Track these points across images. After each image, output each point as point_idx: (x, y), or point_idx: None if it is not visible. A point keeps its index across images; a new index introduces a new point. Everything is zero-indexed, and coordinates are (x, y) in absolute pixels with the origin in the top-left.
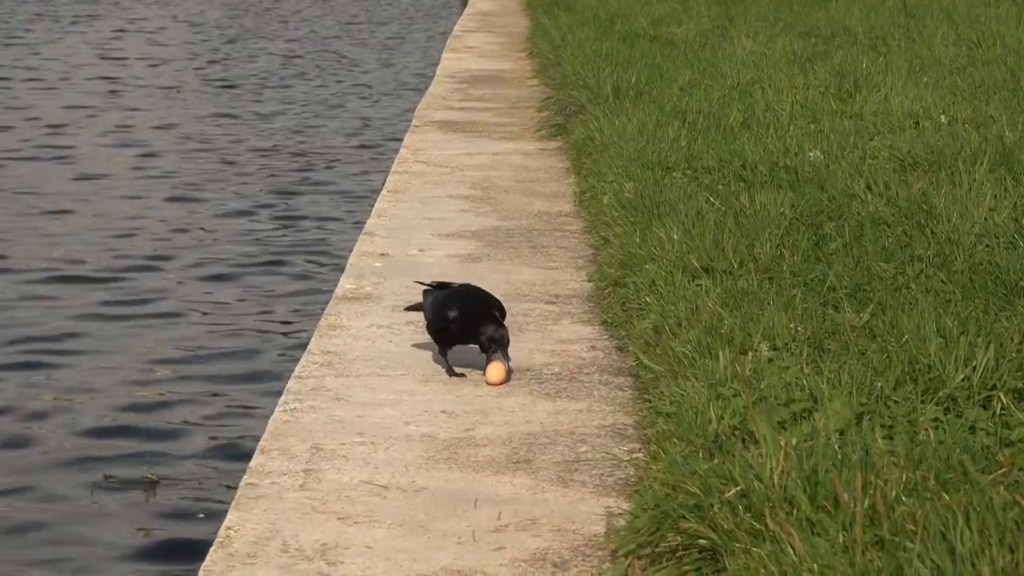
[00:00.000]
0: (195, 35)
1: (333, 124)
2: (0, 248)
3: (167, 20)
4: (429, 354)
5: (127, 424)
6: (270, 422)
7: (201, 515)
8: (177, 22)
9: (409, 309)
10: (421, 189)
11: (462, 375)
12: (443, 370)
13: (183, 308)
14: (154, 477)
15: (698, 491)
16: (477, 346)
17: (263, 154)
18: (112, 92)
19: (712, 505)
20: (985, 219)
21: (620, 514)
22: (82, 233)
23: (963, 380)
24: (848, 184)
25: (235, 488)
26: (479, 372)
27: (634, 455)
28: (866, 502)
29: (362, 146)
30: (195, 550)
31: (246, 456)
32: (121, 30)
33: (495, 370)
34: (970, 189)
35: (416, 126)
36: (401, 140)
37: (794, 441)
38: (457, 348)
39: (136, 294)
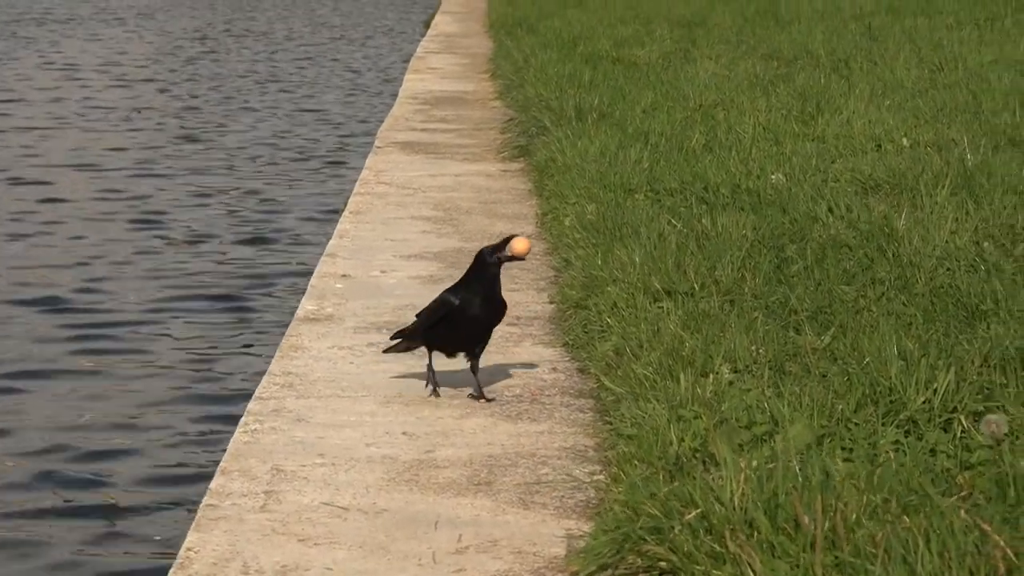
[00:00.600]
0: (161, 54)
1: (296, 145)
2: None
3: (130, 41)
4: (390, 376)
5: (85, 446)
6: (231, 443)
7: (157, 537)
8: (141, 42)
9: (394, 337)
10: (383, 210)
11: (437, 395)
12: (402, 391)
13: (143, 329)
14: (113, 500)
15: (659, 513)
16: (469, 355)
17: (224, 175)
18: (73, 113)
19: (673, 527)
20: (946, 242)
21: (581, 536)
22: (42, 257)
23: (924, 403)
24: (810, 207)
25: (195, 510)
26: (454, 393)
27: (595, 477)
28: (826, 524)
29: (325, 167)
30: (155, 573)
31: (207, 478)
32: (83, 50)
33: (520, 242)
34: (932, 212)
35: (378, 147)
36: (363, 161)
37: (755, 463)
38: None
39: (95, 316)
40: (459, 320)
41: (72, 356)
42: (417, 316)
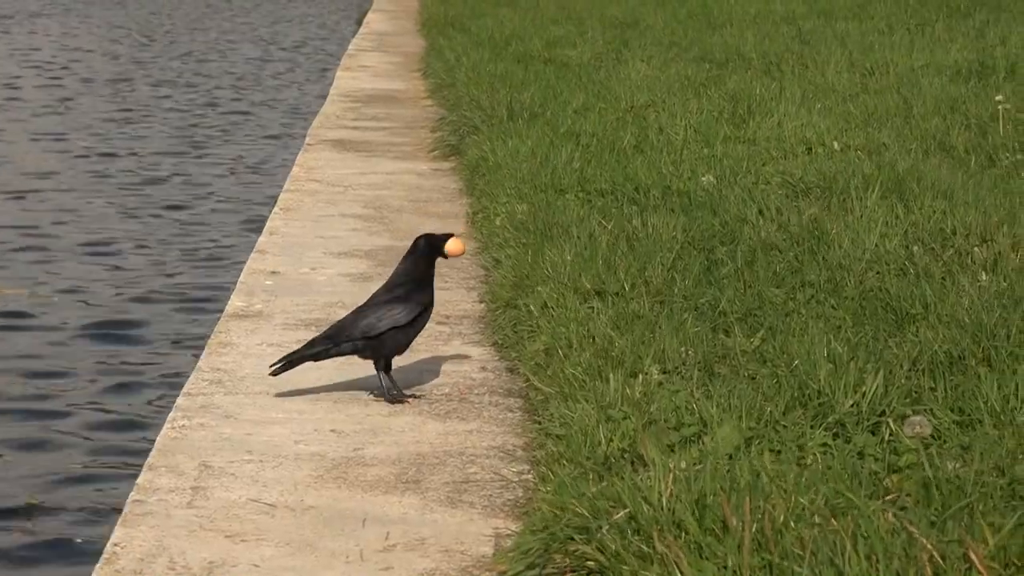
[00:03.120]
0: (92, 54)
1: (227, 142)
2: None
3: (57, 40)
4: (319, 372)
5: (8, 445)
6: (158, 439)
7: (79, 540)
8: (73, 40)
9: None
10: (314, 208)
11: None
12: (331, 391)
13: (67, 324)
14: (37, 500)
15: (587, 513)
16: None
17: (156, 168)
18: None
19: (600, 527)
20: (876, 246)
21: (509, 535)
22: None
23: (852, 406)
24: (740, 209)
25: (121, 508)
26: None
27: (523, 476)
28: (754, 526)
29: (256, 164)
30: (80, 570)
31: (133, 474)
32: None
33: (456, 243)
34: (862, 216)
35: (309, 144)
36: (294, 158)
37: (683, 464)
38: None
39: (20, 307)
40: (426, 316)
41: None
42: (335, 335)
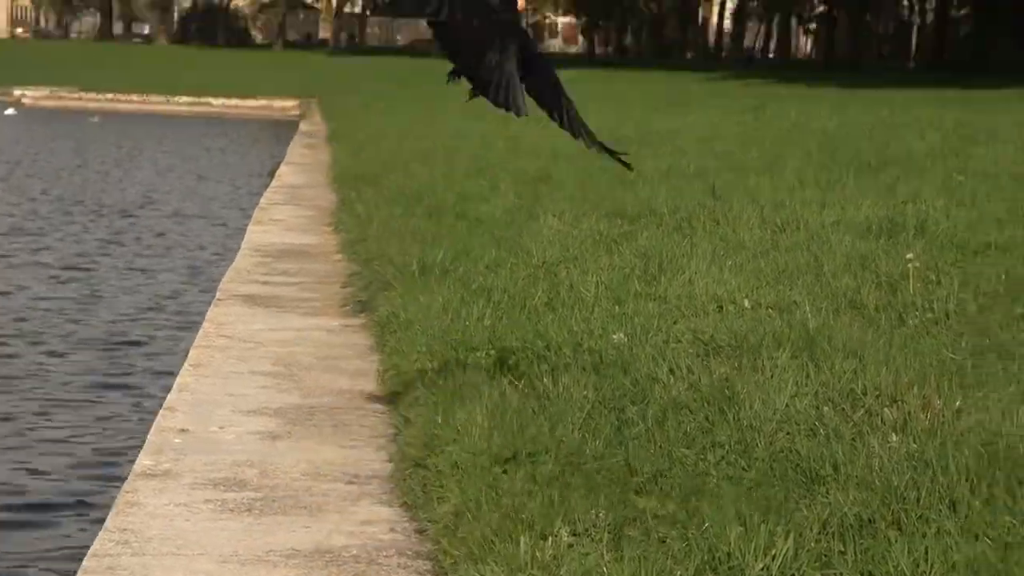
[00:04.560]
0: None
1: (137, 297)
2: None
3: None
4: (227, 533)
5: None
6: None
7: None
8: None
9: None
10: (224, 364)
11: None
12: (239, 552)
13: None
14: None
15: None
16: None
17: (66, 322)
18: None
19: None
20: (787, 405)
21: None
22: None
23: (762, 569)
24: (651, 368)
25: None
26: (291, 552)
27: None
28: None
29: (167, 320)
30: None
31: None
32: None
33: None
34: (772, 375)
35: (220, 299)
36: (204, 314)
37: None
38: None
39: None
40: None
41: None
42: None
